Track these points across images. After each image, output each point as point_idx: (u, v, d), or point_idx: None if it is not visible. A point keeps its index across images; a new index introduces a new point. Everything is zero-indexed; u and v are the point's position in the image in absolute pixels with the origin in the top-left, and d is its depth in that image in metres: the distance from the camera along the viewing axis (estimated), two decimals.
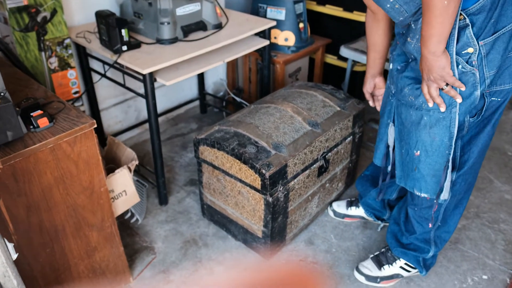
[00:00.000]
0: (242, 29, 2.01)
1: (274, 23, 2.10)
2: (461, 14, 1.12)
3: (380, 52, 1.55)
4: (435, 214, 1.48)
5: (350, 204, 1.97)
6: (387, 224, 1.92)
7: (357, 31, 2.50)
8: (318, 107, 1.82)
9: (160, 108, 2.60)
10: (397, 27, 1.34)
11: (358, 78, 2.68)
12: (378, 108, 1.68)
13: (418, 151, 1.34)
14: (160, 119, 2.64)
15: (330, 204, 2.01)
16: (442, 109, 1.22)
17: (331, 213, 1.99)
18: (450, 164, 1.30)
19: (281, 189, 1.59)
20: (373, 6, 1.40)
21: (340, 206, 1.99)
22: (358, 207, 1.95)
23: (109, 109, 2.33)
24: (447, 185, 1.34)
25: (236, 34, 1.96)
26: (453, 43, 1.14)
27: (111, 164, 1.70)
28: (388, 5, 1.20)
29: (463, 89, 1.18)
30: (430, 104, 1.24)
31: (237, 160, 1.59)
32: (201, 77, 2.68)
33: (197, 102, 2.82)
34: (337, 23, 2.58)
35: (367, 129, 2.58)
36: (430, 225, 1.52)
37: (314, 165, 1.72)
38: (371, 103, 1.70)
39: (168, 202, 2.07)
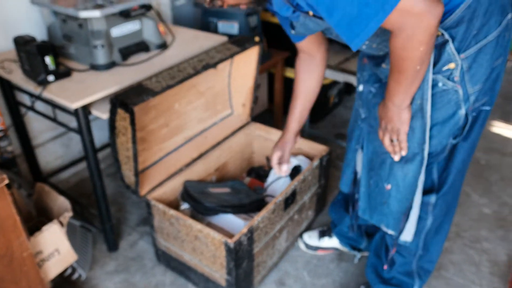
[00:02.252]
0: (190, 47, 1.80)
1: (225, 39, 1.90)
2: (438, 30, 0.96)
3: (309, 102, 1.40)
4: (395, 255, 1.36)
5: (322, 234, 1.79)
6: (365, 254, 1.74)
7: None
8: None
9: (107, 136, 2.34)
10: (367, 48, 1.18)
11: (322, 91, 2.51)
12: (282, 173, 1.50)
13: (389, 185, 1.18)
14: (109, 149, 2.38)
15: (301, 235, 1.82)
16: (403, 152, 1.09)
17: (302, 246, 1.79)
18: (414, 204, 1.17)
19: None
20: (311, 49, 1.26)
21: (311, 237, 1.79)
22: (331, 237, 1.76)
23: (46, 144, 2.05)
24: (409, 227, 1.21)
25: (183, 53, 1.74)
26: (429, 66, 0.98)
27: (42, 217, 1.44)
28: (364, 47, 1.10)
29: (404, 154, 1.08)
30: (396, 158, 1.11)
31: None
32: None
33: None
34: None
35: (334, 146, 2.42)
36: (386, 267, 1.39)
37: (280, 198, 1.52)
38: (276, 170, 1.50)
39: (118, 247, 1.81)
